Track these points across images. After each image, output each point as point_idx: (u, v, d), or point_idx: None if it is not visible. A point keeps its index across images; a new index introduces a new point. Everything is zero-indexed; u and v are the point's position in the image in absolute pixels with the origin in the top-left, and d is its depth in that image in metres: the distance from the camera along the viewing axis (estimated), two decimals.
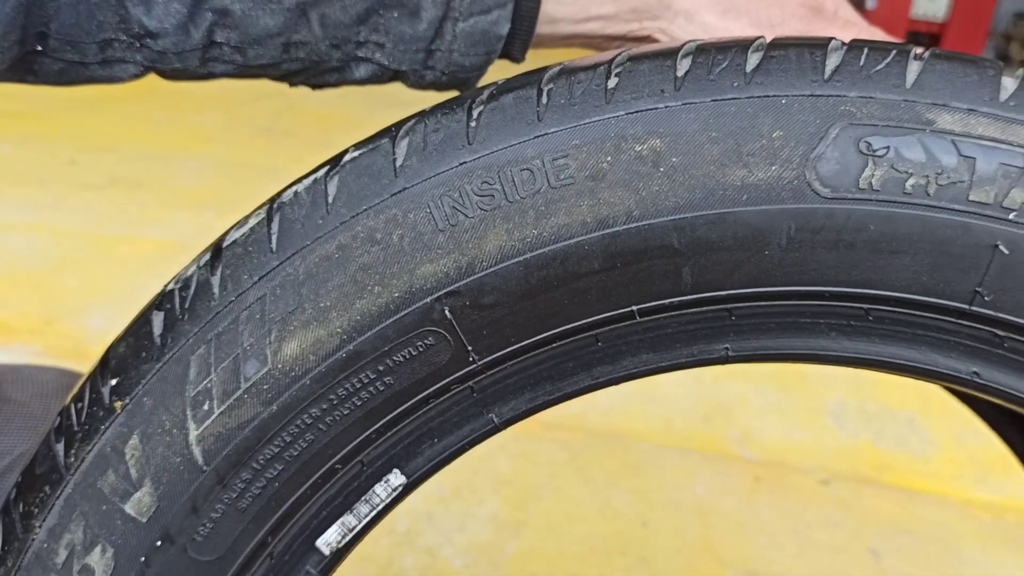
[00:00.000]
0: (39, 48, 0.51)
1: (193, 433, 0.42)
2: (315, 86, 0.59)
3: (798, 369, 2.46)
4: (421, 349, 0.42)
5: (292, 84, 0.59)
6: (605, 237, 0.41)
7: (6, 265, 2.70)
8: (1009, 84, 0.40)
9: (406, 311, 0.41)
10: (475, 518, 1.81)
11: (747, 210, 0.40)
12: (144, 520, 0.42)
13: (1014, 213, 0.39)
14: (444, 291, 0.41)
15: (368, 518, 0.45)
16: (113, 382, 0.42)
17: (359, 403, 0.42)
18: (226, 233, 0.44)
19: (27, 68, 0.52)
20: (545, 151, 0.41)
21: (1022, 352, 0.42)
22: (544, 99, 0.41)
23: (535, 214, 0.40)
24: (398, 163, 0.41)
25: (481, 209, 0.41)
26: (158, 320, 0.43)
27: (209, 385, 0.41)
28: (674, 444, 2.09)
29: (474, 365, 0.43)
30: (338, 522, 0.45)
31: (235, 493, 0.43)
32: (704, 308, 0.43)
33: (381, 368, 0.42)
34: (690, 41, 0.43)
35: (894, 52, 0.41)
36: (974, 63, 0.41)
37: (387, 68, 0.57)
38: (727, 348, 0.44)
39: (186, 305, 0.42)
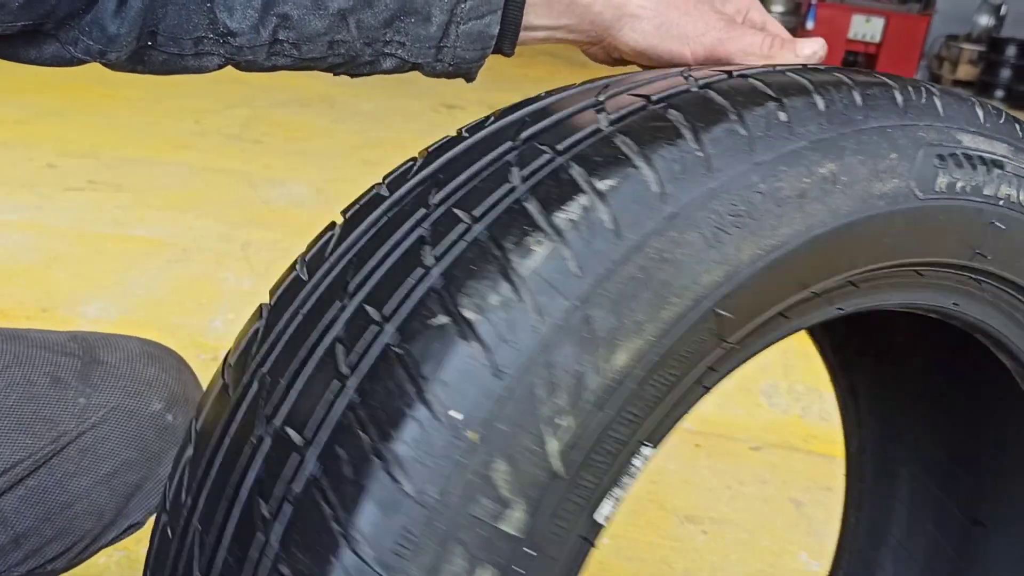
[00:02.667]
0: (150, 43, 0.62)
1: None
2: (353, 75, 0.71)
3: None
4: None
5: (335, 74, 0.71)
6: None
7: (0, 260, 2.75)
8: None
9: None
10: None
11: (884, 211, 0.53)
12: None
13: None
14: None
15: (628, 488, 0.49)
16: None
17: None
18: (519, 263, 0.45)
19: (138, 59, 0.64)
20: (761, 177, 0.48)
21: None
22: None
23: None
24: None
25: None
26: None
27: None
28: None
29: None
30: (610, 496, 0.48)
31: None
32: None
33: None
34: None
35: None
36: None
37: (407, 61, 0.68)
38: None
39: None
